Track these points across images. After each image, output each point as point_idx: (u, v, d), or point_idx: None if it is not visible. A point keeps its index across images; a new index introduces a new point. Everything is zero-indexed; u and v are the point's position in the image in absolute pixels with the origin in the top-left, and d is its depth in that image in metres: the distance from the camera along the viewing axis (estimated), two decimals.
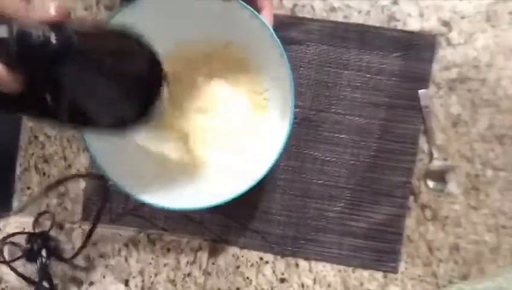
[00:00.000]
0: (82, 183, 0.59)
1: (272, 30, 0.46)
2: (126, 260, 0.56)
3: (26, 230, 0.56)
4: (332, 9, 0.58)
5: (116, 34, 0.37)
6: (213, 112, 0.55)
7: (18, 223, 0.57)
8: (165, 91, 0.40)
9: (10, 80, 0.29)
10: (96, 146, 0.47)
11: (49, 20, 0.29)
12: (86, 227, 0.57)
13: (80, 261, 0.56)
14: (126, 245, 0.56)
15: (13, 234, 0.55)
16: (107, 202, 0.58)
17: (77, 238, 0.56)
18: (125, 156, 0.50)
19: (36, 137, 0.59)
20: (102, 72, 0.34)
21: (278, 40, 0.46)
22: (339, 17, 0.58)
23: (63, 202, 0.59)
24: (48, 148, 0.59)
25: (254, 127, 0.54)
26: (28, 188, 0.59)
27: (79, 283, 0.56)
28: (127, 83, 0.37)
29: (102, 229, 0.56)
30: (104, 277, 0.56)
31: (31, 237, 0.55)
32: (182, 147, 0.54)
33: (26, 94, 0.31)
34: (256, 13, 0.46)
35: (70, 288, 0.56)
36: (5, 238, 0.55)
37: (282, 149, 0.46)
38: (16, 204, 0.59)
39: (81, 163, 0.59)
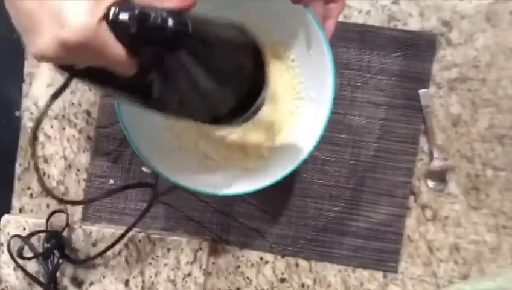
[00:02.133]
0: (82, 183, 0.59)
1: (328, 44, 0.45)
2: (126, 260, 0.56)
3: (35, 230, 0.55)
4: None
5: (226, 25, 0.37)
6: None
7: (18, 223, 0.57)
8: (265, 93, 0.40)
9: (128, 62, 0.31)
10: (137, 137, 0.47)
11: (170, 8, 0.31)
12: (87, 227, 0.57)
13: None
14: (126, 245, 0.56)
15: (32, 234, 0.55)
16: (108, 202, 0.58)
17: (78, 239, 0.56)
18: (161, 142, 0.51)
19: (36, 137, 0.59)
20: (213, 61, 0.35)
21: (332, 58, 0.45)
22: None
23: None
24: (48, 148, 0.59)
25: (289, 121, 0.54)
26: (28, 188, 0.59)
27: (79, 283, 0.56)
28: (232, 75, 0.37)
29: (102, 229, 0.56)
30: (104, 277, 0.56)
31: (47, 236, 0.55)
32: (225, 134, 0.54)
33: (137, 80, 0.33)
34: (318, 22, 0.45)
35: (70, 288, 0.56)
36: (24, 237, 0.54)
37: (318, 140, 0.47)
38: (16, 204, 0.59)
39: (81, 163, 0.59)
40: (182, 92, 0.36)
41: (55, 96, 0.34)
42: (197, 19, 0.33)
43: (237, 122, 0.40)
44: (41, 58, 0.30)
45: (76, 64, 0.32)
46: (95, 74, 0.33)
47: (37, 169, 0.48)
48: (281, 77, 0.54)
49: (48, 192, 0.41)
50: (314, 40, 0.46)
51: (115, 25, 0.30)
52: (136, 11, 0.30)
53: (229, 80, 0.37)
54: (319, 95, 0.48)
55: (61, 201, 0.46)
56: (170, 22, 0.30)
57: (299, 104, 0.53)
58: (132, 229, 0.55)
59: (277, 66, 0.54)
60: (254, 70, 0.38)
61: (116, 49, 0.30)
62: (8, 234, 0.56)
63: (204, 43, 0.34)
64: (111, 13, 0.30)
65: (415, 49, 0.57)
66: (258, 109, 0.40)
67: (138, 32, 0.30)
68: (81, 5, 0.29)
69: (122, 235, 0.55)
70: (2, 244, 0.56)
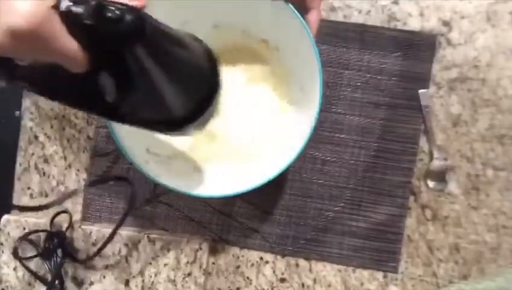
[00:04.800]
0: (82, 184, 0.59)
1: (312, 36, 0.45)
2: (126, 260, 0.56)
3: (37, 229, 0.55)
4: (333, 9, 0.58)
5: (182, 32, 0.36)
6: (239, 104, 0.55)
7: (18, 222, 0.57)
8: (219, 97, 0.39)
9: (80, 56, 0.29)
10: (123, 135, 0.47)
11: (126, 3, 0.30)
12: (87, 227, 0.57)
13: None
14: (126, 245, 0.56)
15: (31, 232, 0.55)
16: (108, 202, 0.58)
17: (78, 239, 0.56)
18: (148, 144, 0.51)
19: (36, 137, 0.59)
20: (168, 62, 0.33)
21: (316, 48, 0.45)
22: (339, 17, 0.58)
23: (63, 202, 0.58)
24: (48, 148, 0.59)
25: (278, 120, 0.54)
26: (28, 188, 0.59)
27: (79, 282, 0.56)
28: (188, 78, 0.36)
29: (102, 229, 0.56)
30: (104, 277, 0.56)
31: (48, 236, 0.55)
32: (207, 138, 0.55)
33: (87, 81, 0.31)
34: (299, 15, 0.45)
35: (71, 288, 0.56)
36: (24, 236, 0.54)
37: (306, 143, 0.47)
38: (16, 204, 0.59)
39: (81, 163, 0.59)
40: (134, 95, 0.33)
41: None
42: (153, 18, 0.31)
43: (190, 129, 0.39)
44: None
45: (22, 58, 0.30)
46: (39, 73, 0.31)
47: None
48: (267, 77, 0.55)
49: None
50: (298, 35, 0.46)
51: (67, 16, 0.28)
52: (93, 2, 0.28)
53: (183, 82, 0.36)
54: (308, 91, 0.48)
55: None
56: (128, 15, 0.29)
57: (289, 101, 0.54)
58: (131, 230, 0.55)
59: (262, 65, 0.54)
60: (208, 76, 0.38)
61: (68, 41, 0.29)
62: (8, 234, 0.56)
63: (160, 42, 0.32)
64: (64, 3, 0.28)
65: (415, 49, 0.57)
66: (210, 116, 0.39)
67: (94, 24, 0.28)
68: None
69: (114, 231, 0.54)
70: (2, 244, 0.56)
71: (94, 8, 0.28)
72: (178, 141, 0.54)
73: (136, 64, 0.31)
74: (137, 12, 0.29)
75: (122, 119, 0.36)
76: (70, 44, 0.29)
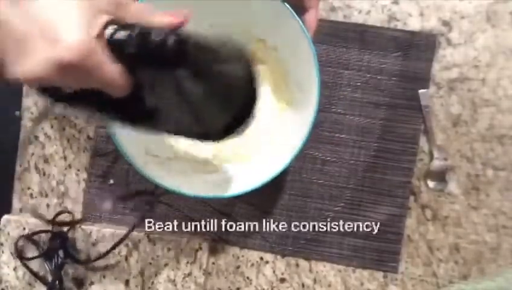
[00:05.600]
0: (82, 184, 0.59)
1: (310, 36, 0.45)
2: (126, 260, 0.56)
3: (39, 229, 0.55)
4: (333, 9, 0.58)
5: (221, 42, 0.36)
6: None
7: (18, 222, 0.57)
8: (256, 107, 0.39)
9: (123, 82, 0.30)
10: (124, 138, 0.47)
11: (167, 25, 0.30)
12: (87, 227, 0.57)
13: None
14: (126, 245, 0.56)
15: (35, 233, 0.55)
16: (109, 202, 0.58)
17: (78, 239, 0.56)
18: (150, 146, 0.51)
19: (36, 137, 0.59)
20: (207, 77, 0.34)
21: (313, 47, 0.45)
22: (339, 17, 0.58)
23: (63, 202, 0.59)
24: (48, 148, 0.59)
25: (277, 120, 0.54)
26: (28, 188, 0.59)
27: (79, 283, 0.56)
28: (226, 92, 0.36)
29: (102, 229, 0.56)
30: (104, 277, 0.56)
31: (52, 236, 0.55)
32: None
33: (130, 100, 0.32)
34: (296, 15, 0.45)
35: (71, 288, 0.56)
36: (28, 236, 0.55)
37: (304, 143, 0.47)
38: (16, 204, 0.59)
39: (81, 163, 0.59)
40: (175, 110, 0.34)
41: (39, 121, 0.32)
42: (193, 35, 0.32)
43: (227, 138, 0.39)
44: (31, 79, 0.28)
45: (66, 86, 0.30)
46: (82, 97, 0.31)
47: None
48: (265, 77, 0.55)
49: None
50: (295, 35, 0.46)
51: (111, 44, 0.29)
52: (136, 30, 0.29)
53: (221, 94, 0.36)
54: (306, 91, 0.48)
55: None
56: (171, 39, 0.29)
57: (288, 101, 0.54)
58: (125, 226, 0.55)
59: (260, 65, 0.54)
60: (246, 86, 0.38)
61: (112, 69, 0.29)
62: (8, 234, 0.56)
63: (201, 60, 0.33)
64: (108, 31, 0.28)
65: (415, 49, 0.57)
66: (247, 125, 0.39)
67: (137, 51, 0.29)
68: (76, 22, 0.27)
69: (125, 237, 0.55)
70: (2, 244, 0.56)
71: (137, 35, 0.29)
72: (177, 143, 0.54)
73: (174, 84, 0.32)
74: (179, 35, 0.30)
75: (158, 130, 0.37)
76: (114, 72, 0.29)
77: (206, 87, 0.34)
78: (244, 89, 0.38)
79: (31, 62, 0.27)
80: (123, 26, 0.29)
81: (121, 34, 0.29)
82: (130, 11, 0.30)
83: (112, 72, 0.29)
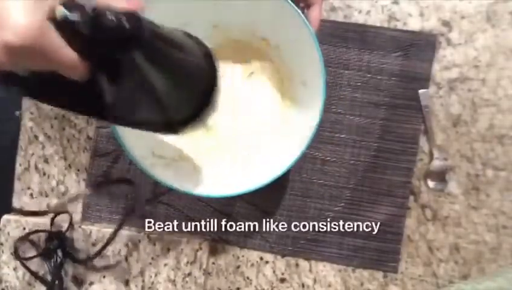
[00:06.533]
0: (82, 184, 0.59)
1: (314, 32, 0.45)
2: (126, 260, 0.56)
3: (37, 229, 0.55)
4: (333, 9, 0.58)
5: (179, 32, 0.36)
6: (241, 103, 0.55)
7: (18, 222, 0.57)
8: (218, 96, 0.39)
9: (80, 65, 0.29)
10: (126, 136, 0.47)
11: (123, 8, 0.29)
12: (87, 227, 0.57)
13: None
14: (126, 245, 0.56)
15: (32, 232, 0.55)
16: (108, 202, 0.58)
17: (78, 239, 0.56)
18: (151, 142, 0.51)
19: (36, 137, 0.59)
20: (166, 63, 0.33)
21: (318, 45, 0.45)
22: (339, 17, 0.58)
23: (63, 202, 0.58)
24: (48, 148, 0.59)
25: (281, 119, 0.54)
26: (28, 188, 0.59)
27: (79, 282, 0.56)
28: (186, 80, 0.36)
29: (102, 229, 0.56)
30: (104, 276, 0.56)
31: (49, 236, 0.55)
32: (209, 137, 0.55)
33: (88, 87, 0.31)
34: (300, 13, 0.45)
35: (71, 288, 0.56)
36: (25, 236, 0.55)
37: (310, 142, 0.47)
38: (16, 204, 0.59)
39: (81, 163, 0.59)
40: (135, 97, 0.34)
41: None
42: (151, 22, 0.31)
43: (189, 128, 0.39)
44: None
45: (19, 70, 0.29)
46: (40, 81, 0.30)
47: None
48: (269, 75, 0.55)
49: None
50: (299, 33, 0.46)
51: (64, 26, 0.28)
52: (90, 11, 0.28)
53: (180, 84, 0.36)
54: (311, 89, 0.48)
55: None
56: (125, 21, 0.28)
57: (292, 100, 0.54)
58: (131, 230, 0.55)
59: (263, 63, 0.54)
60: (206, 76, 0.38)
61: (66, 51, 0.28)
62: (8, 234, 0.56)
63: (157, 46, 0.32)
64: (59, 13, 0.27)
65: (415, 49, 0.57)
66: (208, 115, 0.39)
67: (92, 33, 0.28)
68: (23, 5, 0.26)
69: (116, 231, 0.55)
70: (2, 244, 0.56)
71: (91, 17, 0.28)
72: (181, 143, 0.54)
73: (133, 68, 0.31)
74: (135, 18, 0.29)
75: (120, 121, 0.36)
76: (68, 54, 0.28)
77: (165, 75, 0.33)
78: (203, 77, 0.37)
79: None
80: (75, 6, 0.28)
81: (74, 15, 0.28)
82: None
83: (66, 54, 0.28)
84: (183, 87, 0.36)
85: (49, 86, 0.31)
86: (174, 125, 0.38)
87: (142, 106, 0.35)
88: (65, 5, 0.28)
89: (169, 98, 0.35)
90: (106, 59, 0.30)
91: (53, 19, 0.27)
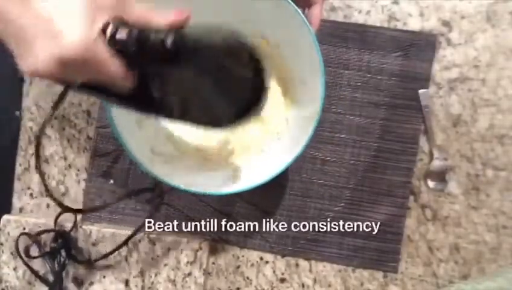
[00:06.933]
0: (82, 184, 0.59)
1: (314, 31, 0.45)
2: (126, 260, 0.56)
3: (42, 229, 0.55)
4: (333, 9, 0.58)
5: (224, 35, 0.37)
6: None
7: (18, 222, 0.57)
8: (265, 96, 0.40)
9: (126, 76, 0.31)
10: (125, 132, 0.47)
11: (167, 25, 0.32)
12: (87, 227, 0.57)
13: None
14: (126, 245, 0.56)
15: (39, 233, 0.55)
16: (108, 202, 0.58)
17: (78, 239, 0.56)
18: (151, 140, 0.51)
19: (36, 137, 0.59)
20: (212, 70, 0.35)
21: (317, 44, 0.45)
22: (339, 17, 0.58)
23: (63, 202, 0.58)
24: (48, 148, 0.59)
25: (281, 118, 0.54)
26: (28, 188, 0.59)
27: (80, 282, 0.56)
28: (232, 84, 0.38)
29: (102, 229, 0.56)
30: (104, 277, 0.56)
31: (55, 236, 0.55)
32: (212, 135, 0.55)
33: (137, 91, 0.34)
34: (300, 12, 0.45)
35: (71, 288, 0.56)
36: (34, 236, 0.55)
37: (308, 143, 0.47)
38: (16, 204, 0.59)
39: (81, 163, 0.59)
40: (182, 100, 0.36)
41: (55, 107, 0.34)
42: (194, 32, 0.33)
43: (237, 125, 0.40)
44: (36, 75, 0.29)
45: (71, 79, 0.32)
46: (93, 86, 0.33)
47: (42, 177, 0.49)
48: (271, 74, 0.55)
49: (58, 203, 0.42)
50: (299, 32, 0.46)
51: (113, 42, 0.30)
52: (135, 31, 0.30)
53: (229, 87, 0.37)
54: (310, 88, 0.48)
55: (65, 209, 0.47)
56: (168, 40, 0.31)
57: (291, 99, 0.54)
58: (131, 230, 0.55)
59: (265, 63, 0.54)
60: (253, 77, 0.38)
61: (114, 65, 0.30)
62: (8, 234, 0.56)
63: (201, 56, 0.34)
64: (109, 30, 0.30)
65: (415, 49, 0.57)
66: (258, 112, 0.40)
67: (137, 50, 0.30)
68: (77, 20, 0.28)
69: (128, 239, 0.55)
70: (2, 244, 0.56)
71: (137, 35, 0.30)
72: (181, 141, 0.54)
73: (178, 77, 0.34)
74: (177, 34, 0.31)
75: (170, 118, 0.38)
76: (115, 67, 0.31)
77: (211, 81, 0.35)
78: (248, 79, 0.38)
79: (36, 58, 0.28)
80: (124, 24, 0.31)
81: (122, 33, 0.30)
82: (133, 9, 0.32)
83: (113, 67, 0.30)
84: (229, 91, 0.38)
85: (103, 89, 0.33)
86: (222, 123, 0.40)
87: (190, 107, 0.37)
88: (115, 24, 0.30)
89: (215, 101, 0.37)
90: (154, 71, 0.33)
91: (104, 35, 0.30)
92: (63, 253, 0.55)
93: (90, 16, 0.29)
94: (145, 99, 0.35)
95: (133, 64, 0.32)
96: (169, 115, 0.38)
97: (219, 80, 0.36)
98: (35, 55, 0.28)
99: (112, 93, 0.34)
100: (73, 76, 0.31)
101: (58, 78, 0.31)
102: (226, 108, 0.39)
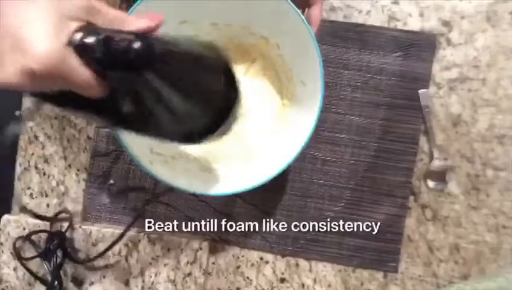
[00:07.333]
0: (82, 184, 0.59)
1: (313, 32, 0.45)
2: (126, 260, 0.56)
3: (37, 229, 0.55)
4: (333, 9, 0.58)
5: (194, 45, 0.37)
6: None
7: (18, 222, 0.57)
8: (237, 112, 0.40)
9: (96, 85, 0.31)
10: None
11: (137, 31, 0.31)
12: (87, 227, 0.57)
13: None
14: (126, 245, 0.56)
15: (32, 233, 0.55)
16: (108, 202, 0.58)
17: (78, 239, 0.56)
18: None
19: (36, 137, 0.59)
20: (181, 80, 0.34)
21: (317, 44, 0.45)
22: (339, 17, 0.58)
23: (63, 202, 0.59)
24: (48, 148, 0.59)
25: (280, 118, 0.54)
26: (28, 188, 0.59)
27: (79, 282, 0.56)
28: (204, 94, 0.37)
29: (102, 229, 0.56)
30: (104, 276, 0.56)
31: (49, 236, 0.55)
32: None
33: (105, 100, 0.33)
34: (299, 12, 0.45)
35: (71, 288, 0.56)
36: (26, 236, 0.55)
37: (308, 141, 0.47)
38: (16, 204, 0.59)
39: (81, 163, 0.59)
40: (152, 112, 0.35)
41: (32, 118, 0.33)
42: (165, 39, 0.32)
43: (209, 140, 0.39)
44: (5, 88, 0.29)
45: (43, 90, 0.31)
46: (64, 97, 0.32)
47: None
48: (268, 74, 0.55)
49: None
50: (298, 32, 0.46)
51: (81, 50, 0.29)
52: (102, 35, 0.30)
53: (199, 98, 0.36)
54: (309, 88, 0.48)
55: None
56: (135, 44, 0.30)
57: (291, 99, 0.54)
58: (131, 229, 0.55)
59: (263, 62, 0.54)
60: (225, 88, 0.38)
61: (83, 73, 0.30)
62: (8, 234, 0.56)
63: (171, 63, 0.33)
64: (76, 38, 0.29)
65: (415, 49, 0.57)
66: (230, 125, 0.39)
67: (103, 56, 0.30)
68: (44, 31, 0.28)
69: (121, 235, 0.55)
70: (1, 244, 0.56)
71: (103, 41, 0.30)
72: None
73: (147, 85, 0.32)
74: (145, 40, 0.30)
75: (140, 132, 0.37)
76: (85, 75, 0.30)
77: (180, 91, 0.34)
78: (220, 90, 0.38)
79: (5, 72, 0.28)
80: (92, 31, 0.30)
81: (90, 38, 0.30)
82: (102, 16, 0.31)
83: (83, 75, 0.30)
84: (200, 102, 0.37)
85: (73, 100, 0.33)
86: (193, 137, 0.39)
87: (160, 120, 0.36)
88: (83, 30, 0.30)
89: (186, 112, 0.36)
90: (122, 78, 0.32)
91: (71, 42, 0.29)
92: (59, 253, 0.54)
93: (57, 26, 0.28)
94: (114, 111, 0.34)
95: (103, 73, 0.31)
96: (139, 128, 0.36)
97: (188, 89, 0.35)
98: (3, 68, 0.28)
99: (81, 103, 0.33)
100: (44, 87, 0.30)
101: (30, 90, 0.30)
102: (197, 122, 0.38)
